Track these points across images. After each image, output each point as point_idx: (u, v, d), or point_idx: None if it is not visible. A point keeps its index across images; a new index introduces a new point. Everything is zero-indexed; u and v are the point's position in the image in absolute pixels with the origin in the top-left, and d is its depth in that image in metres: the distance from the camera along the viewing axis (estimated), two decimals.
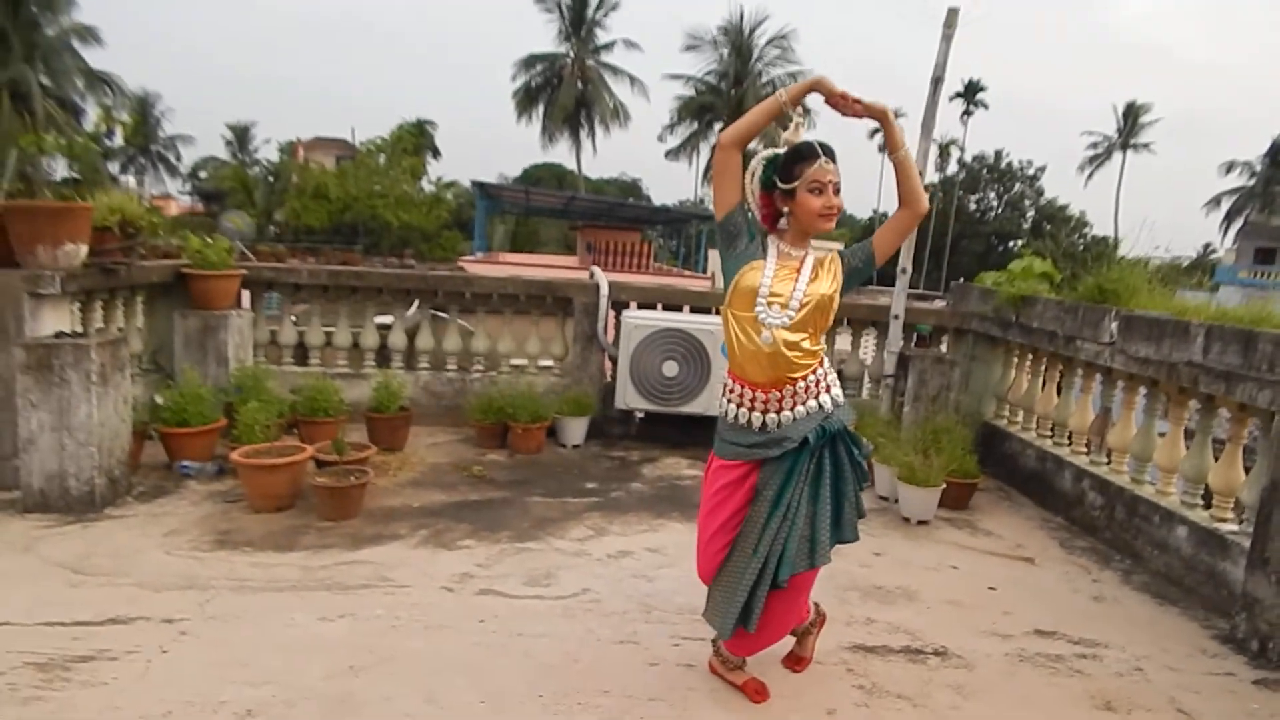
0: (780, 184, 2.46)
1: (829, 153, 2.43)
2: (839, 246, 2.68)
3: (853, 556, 3.99)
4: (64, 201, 4.24)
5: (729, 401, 2.57)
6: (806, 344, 2.48)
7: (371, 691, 2.61)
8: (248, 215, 29.00)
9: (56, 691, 2.50)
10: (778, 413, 2.49)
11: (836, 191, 2.43)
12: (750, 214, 2.56)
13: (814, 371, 2.52)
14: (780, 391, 2.48)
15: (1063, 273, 5.78)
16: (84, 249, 4.30)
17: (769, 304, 2.44)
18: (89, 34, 28.42)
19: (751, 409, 2.51)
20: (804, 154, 2.42)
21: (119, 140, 40.34)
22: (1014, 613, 3.49)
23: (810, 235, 2.53)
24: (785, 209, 2.50)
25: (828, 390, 2.54)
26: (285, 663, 2.74)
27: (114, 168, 41.81)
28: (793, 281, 2.46)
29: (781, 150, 2.52)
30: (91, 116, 30.09)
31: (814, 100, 2.52)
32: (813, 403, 2.50)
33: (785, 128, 2.58)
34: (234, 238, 6.57)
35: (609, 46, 41.41)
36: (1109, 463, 4.64)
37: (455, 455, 5.34)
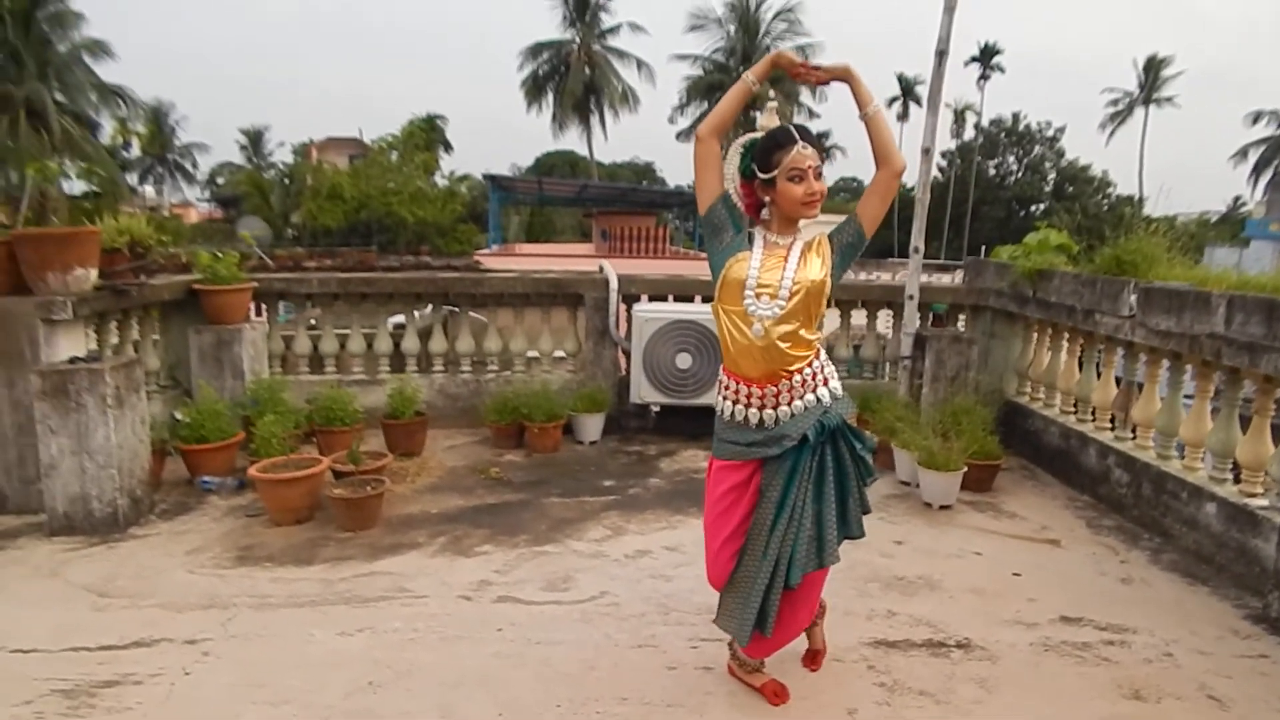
0: (760, 174, 2.41)
1: (807, 136, 2.36)
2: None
3: (873, 546, 3.95)
4: (71, 228, 4.27)
5: (725, 399, 2.53)
6: (801, 333, 2.42)
7: (390, 707, 2.62)
8: (263, 220, 29.26)
9: (82, 718, 2.54)
10: (775, 408, 2.44)
11: (818, 176, 2.37)
12: (734, 205, 2.51)
13: (810, 364, 2.46)
14: (776, 386, 2.43)
15: (1081, 243, 5.66)
16: (94, 272, 4.34)
17: (757, 295, 2.39)
18: (99, 48, 28.63)
19: (748, 405, 2.46)
20: (780, 141, 2.36)
21: (136, 151, 40.89)
22: (1039, 599, 3.44)
23: (796, 221, 2.47)
24: (767, 198, 2.45)
25: (825, 383, 2.49)
26: (305, 681, 2.76)
27: (132, 179, 42.33)
28: (780, 270, 2.40)
29: (758, 136, 2.47)
30: (107, 130, 30.45)
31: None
32: (810, 396, 2.45)
33: (762, 109, 2.54)
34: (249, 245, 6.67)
35: (614, 30, 41.06)
36: (1134, 438, 4.55)
37: (473, 457, 5.35)
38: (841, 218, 2.55)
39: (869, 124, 2.42)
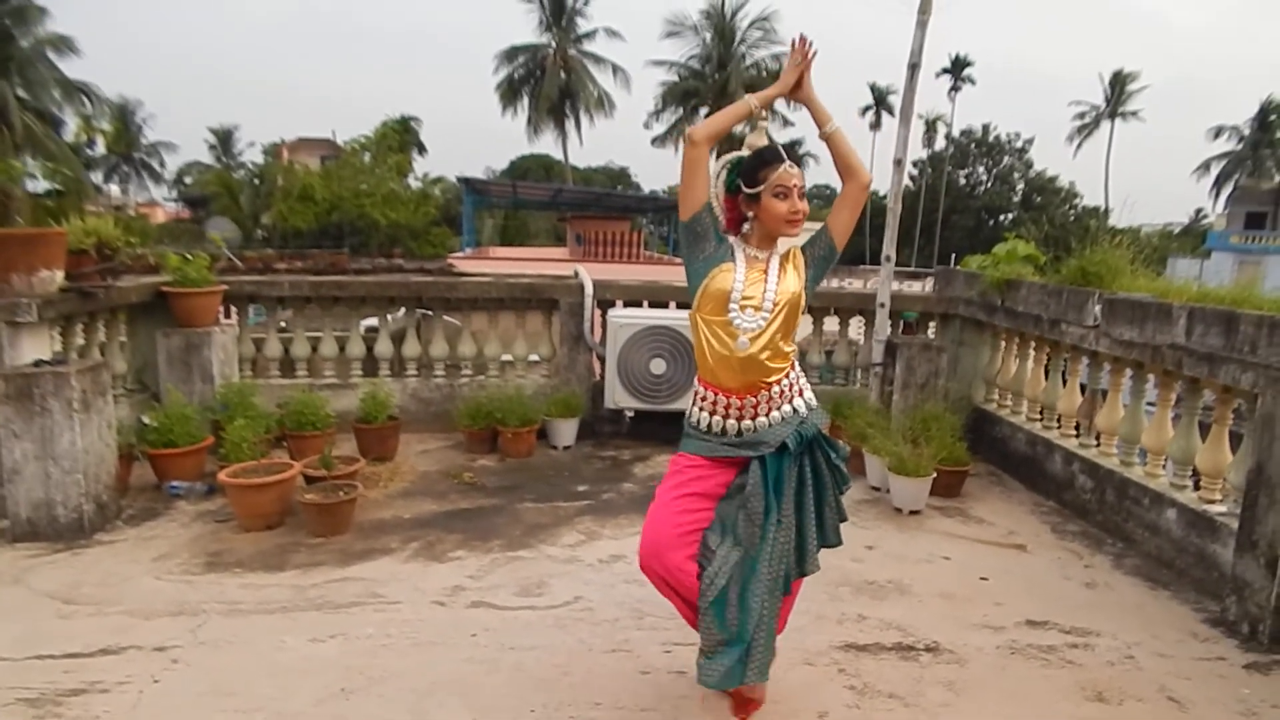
0: (745, 188, 2.43)
1: (793, 156, 2.41)
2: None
3: (845, 551, 3.94)
4: (36, 229, 4.20)
5: (701, 410, 2.53)
6: (781, 345, 2.45)
7: (362, 714, 2.60)
8: (232, 221, 28.82)
9: None
10: (753, 419, 2.46)
11: (801, 196, 2.40)
12: (717, 215, 2.52)
13: (787, 375, 2.49)
14: (755, 397, 2.45)
15: (1048, 253, 5.77)
16: (59, 274, 4.27)
17: (742, 308, 2.40)
18: (64, 44, 28.05)
19: (725, 416, 2.48)
20: (768, 159, 2.40)
21: (101, 149, 40.14)
22: (1006, 603, 3.50)
23: (775, 238, 2.50)
24: (750, 213, 2.47)
25: (801, 394, 2.52)
26: (276, 688, 2.73)
27: (97, 177, 41.53)
28: (763, 283, 2.43)
29: (745, 153, 2.49)
30: (71, 127, 29.85)
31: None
32: (787, 407, 2.48)
33: (751, 128, 2.56)
34: (219, 246, 6.60)
35: (590, 35, 41.10)
36: (1098, 445, 4.65)
37: (446, 462, 5.33)
38: (815, 225, 2.58)
39: (830, 142, 2.46)
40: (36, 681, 2.72)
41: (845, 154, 2.45)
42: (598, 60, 41.20)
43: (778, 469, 2.47)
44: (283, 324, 6.37)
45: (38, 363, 3.98)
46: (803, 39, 2.48)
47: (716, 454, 2.49)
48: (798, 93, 2.50)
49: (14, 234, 4.17)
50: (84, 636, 3.02)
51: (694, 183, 2.46)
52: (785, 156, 2.39)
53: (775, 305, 2.41)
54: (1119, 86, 51.91)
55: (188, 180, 48.77)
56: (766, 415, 2.45)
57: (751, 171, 2.42)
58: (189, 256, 5.43)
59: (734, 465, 2.52)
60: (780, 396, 2.47)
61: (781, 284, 2.43)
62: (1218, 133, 49.59)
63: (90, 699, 2.64)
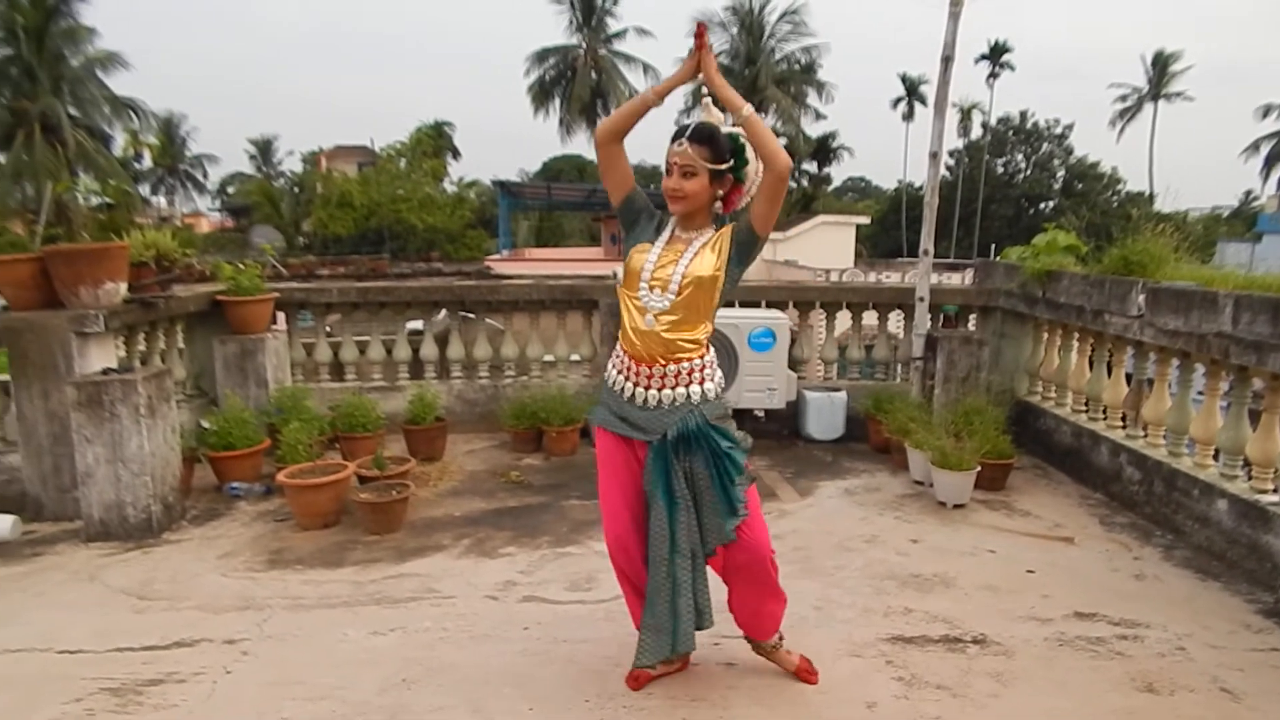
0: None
1: (695, 136, 2.45)
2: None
3: (889, 545, 4.04)
4: (102, 243, 4.39)
5: (614, 369, 2.66)
6: (688, 325, 2.51)
7: (423, 703, 2.71)
8: (275, 229, 29.41)
9: (130, 715, 2.64)
10: (645, 389, 2.55)
11: (686, 175, 2.45)
12: (645, 197, 2.61)
13: (692, 360, 2.55)
14: (650, 369, 2.54)
15: (1090, 243, 5.71)
16: (123, 286, 4.46)
17: (650, 288, 2.50)
18: (112, 61, 28.88)
19: (627, 378, 2.59)
20: (674, 136, 2.50)
21: (148, 162, 41.26)
22: (1053, 595, 3.50)
23: (698, 216, 2.54)
24: None
25: (701, 382, 2.56)
26: (341, 678, 2.85)
27: (144, 189, 42.62)
28: (674, 265, 2.49)
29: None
30: (119, 141, 30.73)
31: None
32: (682, 390, 2.54)
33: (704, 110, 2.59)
34: (269, 256, 6.82)
35: (620, 35, 41.12)
36: (1145, 436, 4.61)
37: (492, 461, 5.45)
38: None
39: (745, 128, 2.46)
40: (118, 672, 2.88)
41: (760, 141, 2.43)
42: (628, 59, 41.21)
43: (664, 454, 2.56)
44: (328, 328, 6.56)
45: (105, 371, 4.17)
46: (701, 27, 2.45)
47: (611, 427, 2.62)
48: (705, 78, 2.46)
49: (83, 249, 4.36)
50: (159, 630, 3.18)
51: (610, 176, 2.58)
52: (680, 134, 2.46)
53: (681, 286, 2.47)
54: (1160, 68, 50.54)
55: (230, 190, 49.88)
56: (659, 391, 2.54)
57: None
58: (242, 266, 5.62)
59: (640, 447, 2.62)
60: (676, 378, 2.54)
61: (692, 265, 2.49)
62: (1266, 112, 48.01)
63: (168, 688, 2.79)
